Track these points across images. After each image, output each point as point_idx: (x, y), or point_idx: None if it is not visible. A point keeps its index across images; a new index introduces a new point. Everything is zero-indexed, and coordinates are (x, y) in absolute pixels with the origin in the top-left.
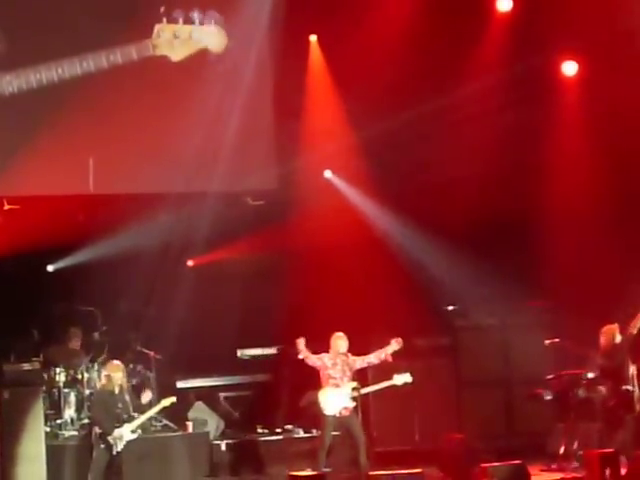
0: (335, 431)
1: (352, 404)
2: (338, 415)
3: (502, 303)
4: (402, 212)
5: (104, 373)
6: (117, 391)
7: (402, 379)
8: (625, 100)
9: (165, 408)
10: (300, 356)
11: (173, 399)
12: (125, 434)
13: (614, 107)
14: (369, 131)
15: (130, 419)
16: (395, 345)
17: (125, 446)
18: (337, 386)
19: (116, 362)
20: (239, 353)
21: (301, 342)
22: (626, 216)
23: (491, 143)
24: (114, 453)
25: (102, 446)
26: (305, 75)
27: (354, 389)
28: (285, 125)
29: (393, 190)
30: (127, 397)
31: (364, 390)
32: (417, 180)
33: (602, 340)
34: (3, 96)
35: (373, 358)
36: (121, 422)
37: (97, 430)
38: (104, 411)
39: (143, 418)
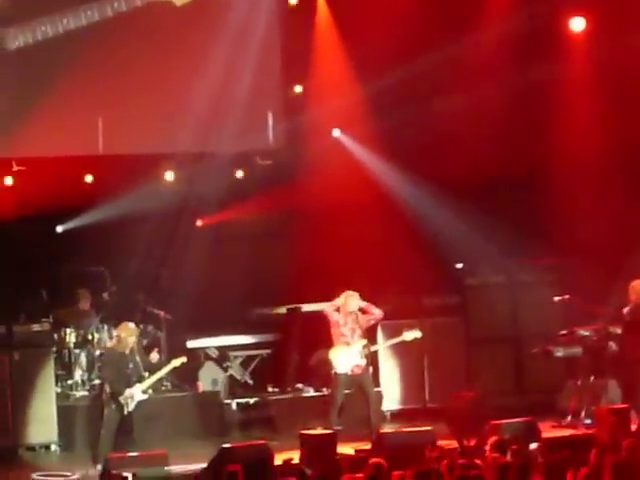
0: (347, 389)
1: (363, 361)
2: (350, 373)
3: (511, 261)
4: (410, 169)
5: (115, 334)
6: (128, 352)
7: (412, 335)
8: (633, 55)
9: (175, 368)
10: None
11: (183, 359)
12: (136, 394)
13: (622, 62)
14: (377, 88)
15: (141, 379)
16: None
17: (136, 406)
18: (348, 344)
19: (130, 324)
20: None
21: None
22: (636, 171)
23: (499, 99)
24: (125, 413)
25: (113, 406)
26: (313, 32)
27: (365, 346)
28: (293, 84)
29: (401, 147)
30: (138, 358)
31: (374, 347)
32: (425, 137)
33: (632, 295)
34: (10, 53)
35: (380, 313)
36: (132, 382)
37: (108, 390)
38: (115, 371)
39: (154, 378)
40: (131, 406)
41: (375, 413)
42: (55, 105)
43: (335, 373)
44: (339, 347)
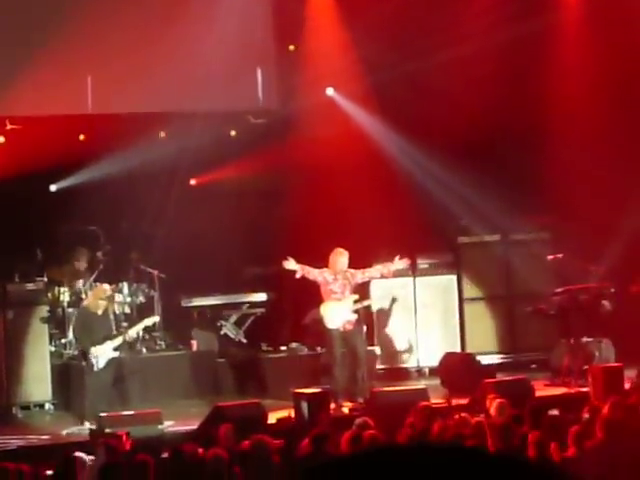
0: (341, 346)
1: (354, 317)
2: (342, 329)
3: (505, 219)
4: (404, 128)
5: (90, 293)
6: (100, 312)
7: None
8: (629, 8)
9: (148, 327)
10: (297, 275)
11: (156, 318)
12: (105, 351)
13: (617, 15)
14: (371, 46)
15: (111, 337)
16: (399, 263)
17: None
18: (339, 300)
19: (105, 286)
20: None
21: (290, 263)
22: (631, 128)
23: (493, 55)
24: (96, 369)
25: (84, 364)
26: None
27: (356, 301)
28: (286, 42)
29: (395, 106)
30: (111, 317)
31: (366, 302)
32: (419, 95)
33: None
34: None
35: (374, 272)
36: (101, 340)
37: (78, 348)
38: (83, 330)
39: (125, 336)
40: (101, 363)
41: (363, 373)
42: (47, 64)
43: (328, 329)
44: (330, 303)
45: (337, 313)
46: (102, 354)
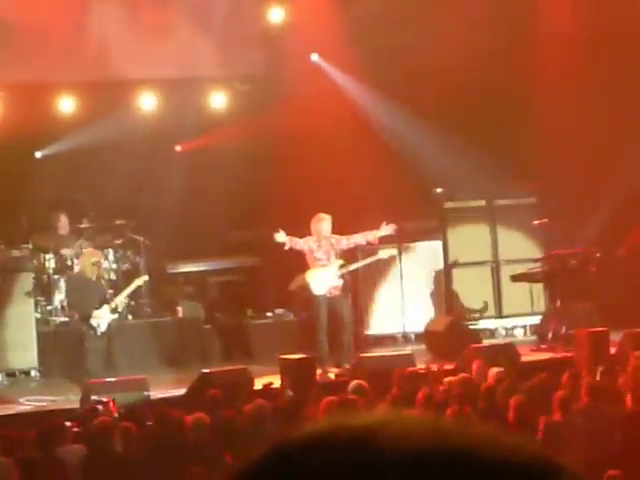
0: (326, 312)
1: (340, 282)
2: (328, 295)
3: (490, 184)
4: (388, 94)
5: (81, 259)
6: (94, 278)
7: (388, 252)
8: None
9: (139, 287)
10: (286, 247)
11: (145, 277)
12: (105, 314)
13: None
14: (356, 13)
15: (108, 301)
16: (386, 229)
17: (116, 332)
18: (324, 266)
19: (95, 251)
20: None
21: (280, 235)
22: (615, 91)
23: (476, 23)
24: (99, 334)
25: (85, 329)
26: None
27: (341, 266)
28: (272, 8)
29: (379, 72)
30: (103, 282)
31: (352, 266)
32: (403, 62)
33: None
34: None
35: (359, 238)
36: (99, 304)
37: (76, 315)
38: (81, 295)
39: (120, 297)
40: (103, 327)
41: (348, 340)
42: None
43: (314, 296)
44: (315, 270)
45: (323, 279)
46: (102, 318)
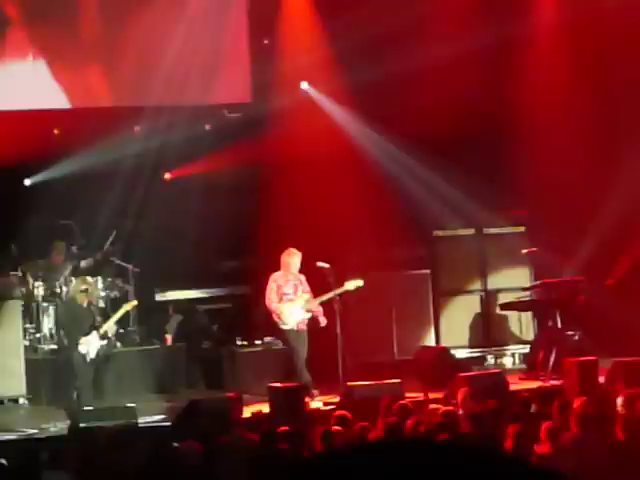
0: (298, 345)
1: (307, 316)
2: (295, 329)
3: (479, 213)
4: (377, 123)
5: (72, 286)
6: (85, 304)
7: (354, 284)
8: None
9: (127, 313)
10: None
11: (134, 302)
12: (94, 341)
13: (595, 11)
14: (345, 42)
15: (97, 327)
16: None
17: (104, 359)
18: (292, 301)
19: (88, 278)
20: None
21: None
22: (604, 121)
23: (466, 52)
24: (87, 361)
25: (73, 356)
26: None
27: (307, 301)
28: (261, 36)
29: (368, 101)
30: (93, 309)
31: (317, 300)
32: (392, 90)
33: None
34: None
35: (325, 297)
36: (88, 331)
37: (67, 341)
38: (72, 322)
39: (109, 323)
40: (92, 354)
41: (305, 371)
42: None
43: (284, 330)
44: (283, 305)
45: (291, 314)
46: (91, 344)
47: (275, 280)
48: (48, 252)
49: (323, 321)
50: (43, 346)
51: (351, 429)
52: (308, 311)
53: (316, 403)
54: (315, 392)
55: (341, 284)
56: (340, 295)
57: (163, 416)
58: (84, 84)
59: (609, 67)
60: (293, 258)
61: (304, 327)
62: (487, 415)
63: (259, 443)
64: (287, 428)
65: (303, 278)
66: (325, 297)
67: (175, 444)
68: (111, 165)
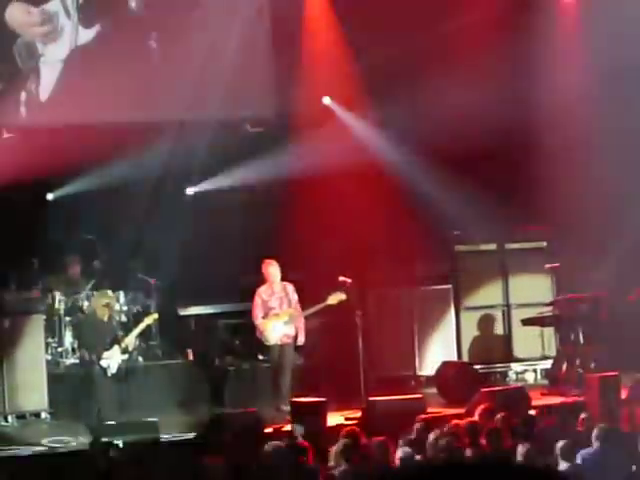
0: (283, 359)
1: (292, 331)
2: (279, 343)
3: (502, 228)
4: (400, 138)
5: (94, 300)
6: (106, 319)
7: (336, 298)
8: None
9: (149, 326)
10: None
11: (155, 316)
12: (115, 355)
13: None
14: (368, 57)
15: (118, 341)
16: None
17: (126, 374)
18: (277, 315)
19: (108, 292)
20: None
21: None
22: (624, 136)
23: (489, 69)
24: (109, 375)
25: (95, 370)
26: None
27: (291, 316)
28: (284, 51)
29: (391, 116)
30: (114, 324)
31: (302, 314)
32: (415, 105)
33: None
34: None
35: (311, 309)
36: (109, 346)
37: (87, 356)
38: (94, 336)
39: (131, 337)
40: (113, 368)
41: (288, 385)
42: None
43: (268, 346)
44: (266, 321)
45: (275, 329)
46: (113, 359)
47: (260, 295)
48: (65, 266)
49: (301, 340)
50: (65, 360)
51: (368, 444)
52: (293, 327)
53: (337, 418)
54: (284, 408)
55: (323, 299)
56: (361, 312)
57: (185, 431)
58: (109, 99)
59: (629, 82)
60: (268, 268)
61: (288, 341)
62: (500, 430)
63: (283, 457)
64: (306, 443)
65: (290, 288)
66: (309, 311)
67: (199, 459)
68: (133, 180)
